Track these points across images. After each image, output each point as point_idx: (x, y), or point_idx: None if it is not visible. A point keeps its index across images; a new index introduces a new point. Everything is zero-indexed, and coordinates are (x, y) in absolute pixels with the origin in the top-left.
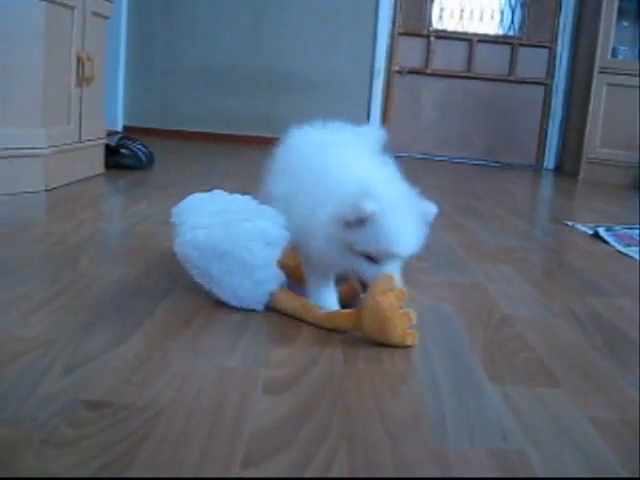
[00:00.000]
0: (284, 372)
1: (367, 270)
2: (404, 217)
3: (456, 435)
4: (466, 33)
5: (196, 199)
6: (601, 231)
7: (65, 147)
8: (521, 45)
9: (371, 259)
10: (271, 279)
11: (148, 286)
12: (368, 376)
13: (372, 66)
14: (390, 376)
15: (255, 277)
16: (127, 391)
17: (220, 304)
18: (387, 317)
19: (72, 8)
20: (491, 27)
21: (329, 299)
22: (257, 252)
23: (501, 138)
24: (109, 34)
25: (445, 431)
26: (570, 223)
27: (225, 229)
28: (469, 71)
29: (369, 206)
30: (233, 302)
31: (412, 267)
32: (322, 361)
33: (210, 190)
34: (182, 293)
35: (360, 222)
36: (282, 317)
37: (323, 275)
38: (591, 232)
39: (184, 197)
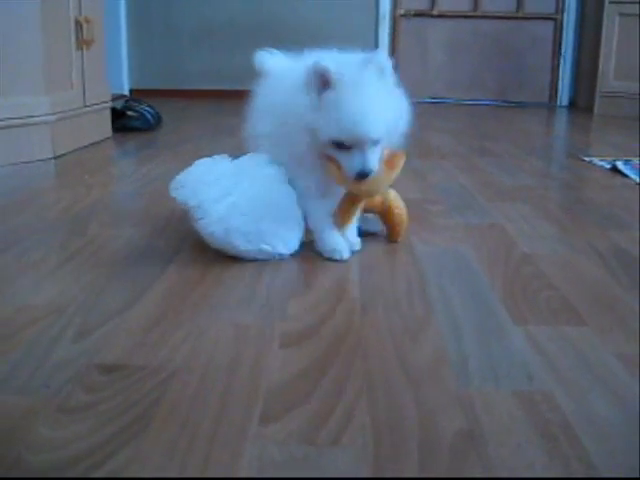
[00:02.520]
0: (300, 325)
1: (344, 160)
2: (366, 96)
3: (479, 378)
4: None
5: (193, 176)
6: (619, 164)
7: (70, 113)
8: None
9: (344, 147)
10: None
11: (158, 246)
12: (387, 323)
13: (377, 11)
14: (409, 321)
15: (295, 214)
16: (141, 352)
17: (231, 261)
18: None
19: None
20: None
21: (335, 242)
22: (286, 192)
23: (512, 77)
24: None
25: (468, 374)
26: (587, 158)
27: (244, 187)
28: (476, 10)
29: (327, 64)
30: (284, 251)
31: (426, 210)
32: (339, 311)
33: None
34: (192, 252)
35: (324, 84)
36: (296, 268)
37: (324, 217)
38: (609, 166)
39: (193, 157)
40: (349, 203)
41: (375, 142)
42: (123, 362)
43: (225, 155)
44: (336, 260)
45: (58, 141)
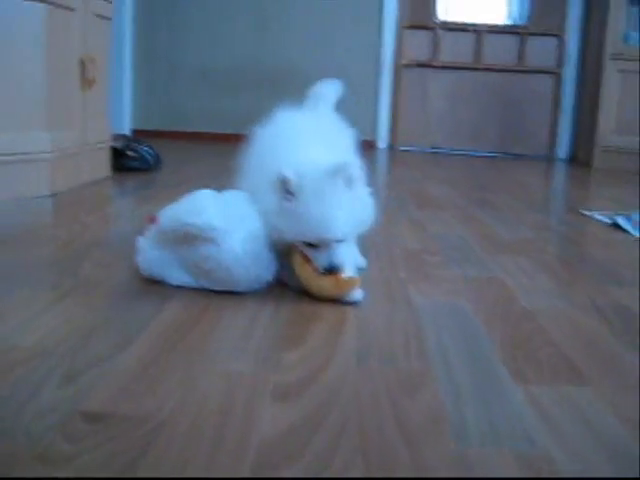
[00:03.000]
0: (294, 376)
1: (313, 255)
2: (328, 205)
3: (479, 439)
4: (474, 24)
5: (204, 205)
6: (619, 220)
7: (70, 151)
8: (530, 34)
9: (312, 246)
10: None
11: (153, 289)
12: (383, 377)
13: (379, 61)
14: (406, 376)
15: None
16: (128, 401)
17: (226, 302)
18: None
19: (73, 10)
20: (499, 17)
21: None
22: None
23: (512, 129)
24: (114, 37)
25: (467, 434)
26: (587, 212)
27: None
28: (478, 62)
29: (288, 174)
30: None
31: (425, 261)
32: (334, 364)
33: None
34: (189, 294)
35: (287, 192)
36: (292, 316)
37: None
38: (609, 221)
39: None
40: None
41: (340, 240)
42: (109, 410)
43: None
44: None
45: (56, 178)
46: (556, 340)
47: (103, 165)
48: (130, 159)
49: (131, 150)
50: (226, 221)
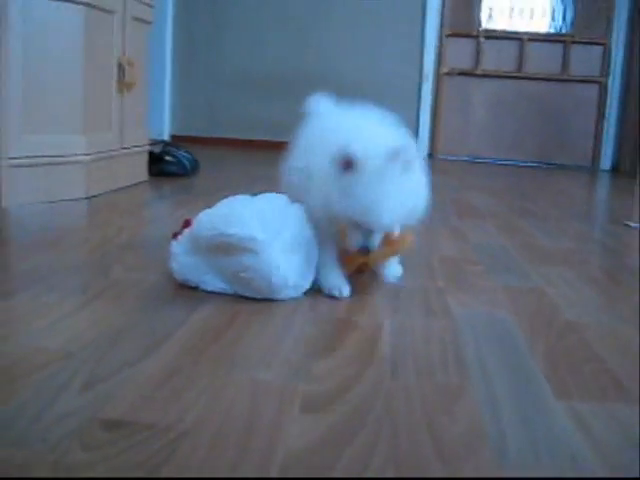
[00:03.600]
0: (325, 387)
1: (350, 232)
2: (385, 190)
3: (519, 456)
4: (516, 32)
5: (242, 213)
6: None
7: (106, 154)
8: (573, 42)
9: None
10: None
11: (183, 293)
12: (419, 391)
13: (421, 69)
14: (443, 391)
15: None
16: (150, 409)
17: (258, 310)
18: None
19: (112, 13)
20: (542, 25)
21: (337, 280)
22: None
23: (554, 139)
24: (155, 42)
25: (506, 452)
26: (632, 224)
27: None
28: (520, 71)
29: (354, 150)
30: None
31: (465, 270)
32: (367, 375)
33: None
34: (220, 300)
35: (347, 166)
36: (325, 324)
37: (330, 255)
38: None
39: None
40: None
41: (385, 230)
42: (129, 418)
43: (246, 195)
44: (335, 297)
45: (92, 181)
46: (601, 355)
47: (140, 169)
48: (168, 164)
49: (169, 155)
50: (265, 230)
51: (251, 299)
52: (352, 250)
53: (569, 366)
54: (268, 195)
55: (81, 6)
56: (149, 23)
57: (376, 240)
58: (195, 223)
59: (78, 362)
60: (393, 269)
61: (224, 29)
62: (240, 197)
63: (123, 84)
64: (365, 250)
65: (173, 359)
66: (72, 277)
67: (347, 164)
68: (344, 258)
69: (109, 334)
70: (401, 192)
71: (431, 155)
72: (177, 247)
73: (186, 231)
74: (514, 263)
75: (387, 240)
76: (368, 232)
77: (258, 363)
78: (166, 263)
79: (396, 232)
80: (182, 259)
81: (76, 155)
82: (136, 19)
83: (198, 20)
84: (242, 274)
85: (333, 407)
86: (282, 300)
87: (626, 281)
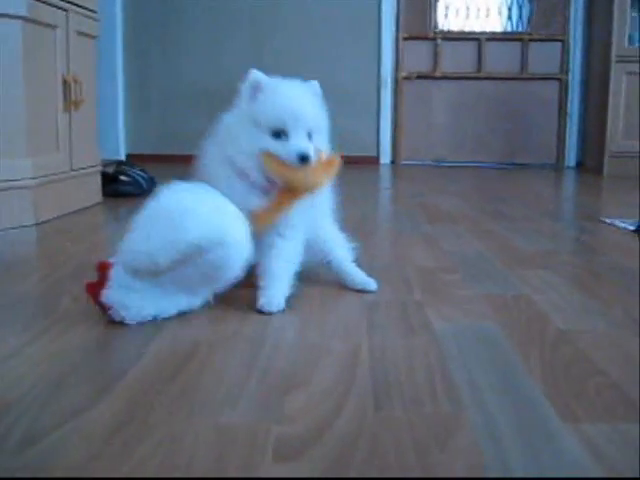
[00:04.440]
0: (300, 428)
1: (282, 149)
2: (297, 88)
3: None
4: (473, 32)
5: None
6: None
7: (55, 177)
8: (531, 40)
9: (280, 134)
10: None
11: (136, 327)
12: (407, 424)
13: (379, 74)
14: (435, 423)
15: None
16: (100, 465)
17: (219, 341)
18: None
19: (54, 27)
20: (499, 24)
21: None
22: None
23: (518, 138)
24: (104, 57)
25: None
26: (608, 220)
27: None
28: (479, 71)
29: (257, 75)
30: None
31: (443, 280)
32: (348, 409)
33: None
34: (177, 328)
35: (255, 90)
36: (294, 352)
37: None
38: (633, 227)
39: None
40: (277, 202)
41: (309, 130)
42: (77, 477)
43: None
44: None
45: (41, 206)
46: (602, 367)
47: (93, 191)
48: (123, 184)
49: (123, 174)
50: (221, 217)
51: (210, 328)
52: (293, 162)
53: (570, 383)
54: (190, 185)
55: (18, 20)
56: (95, 37)
57: (309, 147)
58: (123, 255)
59: (16, 413)
60: (360, 278)
61: (176, 42)
62: (170, 197)
63: (70, 102)
64: (304, 157)
65: (125, 404)
66: (15, 313)
67: (255, 87)
68: (264, 211)
69: (53, 378)
70: (313, 99)
71: (394, 161)
72: (113, 295)
73: (111, 273)
74: (493, 269)
75: (318, 162)
76: (297, 139)
77: (222, 403)
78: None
79: (324, 155)
80: (127, 302)
81: (22, 180)
82: (81, 34)
83: (149, 34)
84: (212, 271)
85: (311, 452)
86: (245, 326)
87: (613, 280)
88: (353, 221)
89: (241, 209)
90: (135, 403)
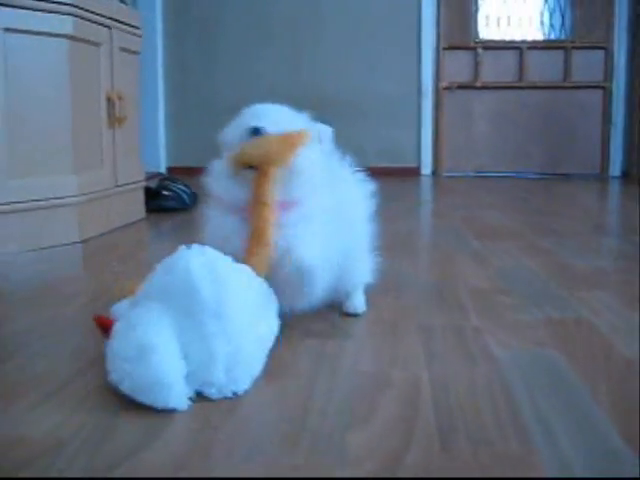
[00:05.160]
0: (366, 470)
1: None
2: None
3: None
4: (515, 41)
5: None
6: None
7: (100, 193)
8: (574, 48)
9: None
10: None
11: None
12: (477, 466)
13: (419, 85)
14: (506, 464)
15: None
16: None
17: (276, 374)
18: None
19: (98, 45)
20: (540, 32)
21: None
22: None
23: (561, 148)
24: (146, 72)
25: None
26: None
27: None
28: (521, 80)
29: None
30: None
31: (498, 303)
32: (413, 450)
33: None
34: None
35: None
36: (351, 383)
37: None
38: None
39: None
40: (255, 235)
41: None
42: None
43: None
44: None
45: (86, 224)
46: None
47: (137, 207)
48: (166, 199)
49: (166, 189)
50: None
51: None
52: (244, 136)
53: None
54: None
55: (64, 39)
56: (137, 53)
57: (266, 125)
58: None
59: (70, 453)
60: (357, 300)
61: (214, 56)
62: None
63: (114, 119)
64: (255, 130)
65: (181, 446)
66: (63, 339)
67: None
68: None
69: (108, 414)
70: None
71: (435, 172)
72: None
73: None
74: (548, 290)
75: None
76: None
77: (282, 443)
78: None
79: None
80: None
81: (67, 197)
82: (124, 50)
83: (189, 49)
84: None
85: None
86: (292, 364)
87: None
88: (398, 237)
89: (235, 250)
90: (191, 443)
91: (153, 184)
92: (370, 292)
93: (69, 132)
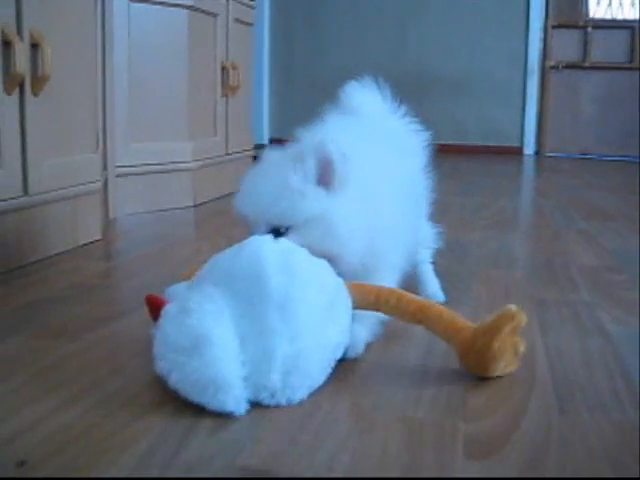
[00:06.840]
0: (488, 426)
1: None
2: (264, 179)
3: None
4: (627, 20)
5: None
6: None
7: (212, 160)
8: None
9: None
10: None
11: None
12: (596, 431)
13: (525, 63)
14: (624, 430)
15: None
16: (293, 455)
17: (395, 339)
18: (493, 358)
19: (215, 15)
20: None
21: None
22: None
23: None
24: (254, 43)
25: None
26: None
27: None
28: (632, 61)
29: None
30: None
31: (610, 280)
32: (532, 410)
33: None
34: None
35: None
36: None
37: None
38: None
39: None
40: None
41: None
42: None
43: None
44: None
45: (199, 189)
46: None
47: None
48: None
49: None
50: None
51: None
52: None
53: None
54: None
55: (184, 9)
56: (251, 25)
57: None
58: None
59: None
60: (431, 289)
61: (321, 29)
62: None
63: (227, 88)
64: None
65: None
66: None
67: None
68: None
69: None
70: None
71: (538, 152)
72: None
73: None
74: None
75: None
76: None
77: (404, 400)
78: None
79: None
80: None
81: (183, 162)
82: (238, 21)
83: (295, 21)
84: None
85: (502, 452)
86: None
87: None
88: (505, 214)
89: None
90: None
91: (259, 154)
92: (481, 265)
93: (186, 100)
